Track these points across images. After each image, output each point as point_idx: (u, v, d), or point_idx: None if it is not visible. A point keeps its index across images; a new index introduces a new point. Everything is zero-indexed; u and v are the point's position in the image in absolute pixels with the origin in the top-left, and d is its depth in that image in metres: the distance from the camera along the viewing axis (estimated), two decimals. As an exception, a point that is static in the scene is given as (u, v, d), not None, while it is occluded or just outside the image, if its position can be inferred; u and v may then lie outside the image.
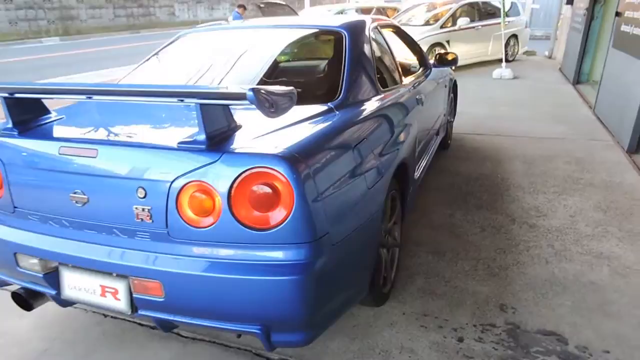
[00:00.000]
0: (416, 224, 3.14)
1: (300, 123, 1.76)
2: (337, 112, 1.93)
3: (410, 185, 2.61)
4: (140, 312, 1.64)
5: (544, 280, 2.46)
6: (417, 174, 3.03)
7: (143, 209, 1.53)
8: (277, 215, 1.44)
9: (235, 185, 1.44)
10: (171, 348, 2.07)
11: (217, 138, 1.52)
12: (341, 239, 1.60)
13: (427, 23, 9.80)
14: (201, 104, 1.43)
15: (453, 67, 3.92)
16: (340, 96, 2.05)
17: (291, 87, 1.49)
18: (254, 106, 1.31)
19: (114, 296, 1.65)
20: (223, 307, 1.53)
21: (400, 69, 2.85)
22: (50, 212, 1.70)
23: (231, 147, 1.49)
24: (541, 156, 4.41)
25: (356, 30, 2.48)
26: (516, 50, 10.92)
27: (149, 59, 2.64)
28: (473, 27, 9.74)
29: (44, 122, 1.86)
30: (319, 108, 1.93)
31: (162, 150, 1.52)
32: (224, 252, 1.49)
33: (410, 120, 2.65)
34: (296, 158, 1.44)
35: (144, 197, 1.52)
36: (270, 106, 1.35)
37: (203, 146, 1.47)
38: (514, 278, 2.49)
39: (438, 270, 2.59)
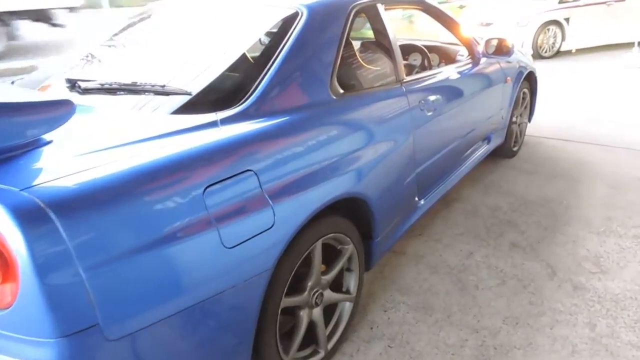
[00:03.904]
0: (418, 261, 2.45)
1: (141, 143, 1.24)
2: (221, 128, 1.37)
3: (383, 222, 1.95)
4: None
5: (553, 385, 1.69)
6: (421, 201, 2.34)
7: None
8: (6, 291, 0.97)
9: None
10: None
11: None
12: (142, 327, 1.08)
13: (545, -4, 8.30)
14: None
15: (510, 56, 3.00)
16: (247, 102, 1.48)
17: (64, 99, 1.00)
18: None
19: None
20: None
21: (398, 63, 2.13)
22: None
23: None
24: (638, 179, 3.32)
25: (324, 10, 1.86)
26: (663, 32, 8.87)
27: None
28: (604, 2, 8.04)
29: None
30: (199, 119, 1.39)
31: None
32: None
33: (396, 134, 1.97)
34: (39, 210, 0.95)
35: None
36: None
37: None
38: (510, 371, 1.76)
39: (410, 337, 1.93)
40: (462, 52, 3.06)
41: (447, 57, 3.20)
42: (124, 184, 1.08)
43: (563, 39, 8.02)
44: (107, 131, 1.37)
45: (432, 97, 2.27)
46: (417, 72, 2.88)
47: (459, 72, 2.63)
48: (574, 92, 5.82)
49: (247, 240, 1.28)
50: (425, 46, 3.14)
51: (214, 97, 1.53)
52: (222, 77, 1.59)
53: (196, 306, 1.18)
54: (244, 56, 1.66)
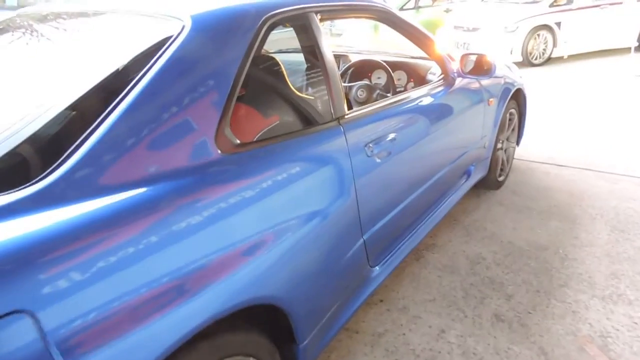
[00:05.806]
0: (374, 343, 1.89)
1: None
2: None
3: (309, 322, 1.40)
4: None
5: None
6: (375, 268, 1.79)
7: None
8: None
9: None
10: None
11: None
12: None
13: (534, 0, 7.79)
14: None
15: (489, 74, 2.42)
16: (56, 174, 0.91)
17: None
18: None
19: None
20: None
21: (335, 94, 1.57)
22: None
23: None
24: (648, 218, 2.79)
25: (219, 22, 1.30)
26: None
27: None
28: (597, 5, 7.54)
29: None
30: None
31: None
32: None
33: (328, 194, 1.41)
34: None
35: None
36: None
37: None
38: None
39: None
40: (434, 71, 2.52)
41: (417, 76, 2.65)
42: None
43: (554, 44, 7.52)
44: None
45: (387, 136, 1.72)
46: (378, 96, 2.33)
47: (427, 98, 2.07)
48: (569, 105, 5.29)
49: None
50: (389, 62, 2.59)
51: (3, 166, 0.95)
52: (28, 132, 1.01)
53: None
54: (77, 96, 1.09)
